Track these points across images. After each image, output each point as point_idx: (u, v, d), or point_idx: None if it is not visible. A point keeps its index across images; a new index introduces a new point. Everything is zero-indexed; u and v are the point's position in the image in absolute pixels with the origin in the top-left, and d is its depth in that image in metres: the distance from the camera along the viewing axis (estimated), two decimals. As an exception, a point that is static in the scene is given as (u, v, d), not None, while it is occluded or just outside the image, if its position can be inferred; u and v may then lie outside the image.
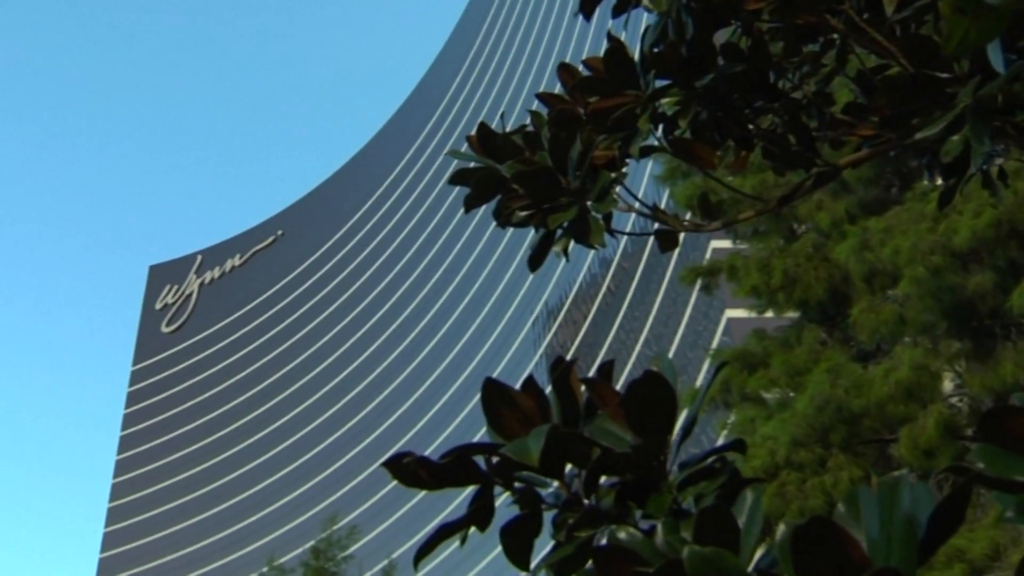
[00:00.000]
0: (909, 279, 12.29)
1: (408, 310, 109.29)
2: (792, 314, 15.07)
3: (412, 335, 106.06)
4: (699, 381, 51.55)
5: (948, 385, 12.94)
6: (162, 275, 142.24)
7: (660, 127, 2.83)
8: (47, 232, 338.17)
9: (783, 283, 14.27)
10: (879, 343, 13.67)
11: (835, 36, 2.88)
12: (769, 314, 15.35)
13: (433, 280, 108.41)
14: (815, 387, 12.51)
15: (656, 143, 2.86)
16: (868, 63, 2.87)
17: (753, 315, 15.96)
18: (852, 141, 2.85)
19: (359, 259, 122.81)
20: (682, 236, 3.02)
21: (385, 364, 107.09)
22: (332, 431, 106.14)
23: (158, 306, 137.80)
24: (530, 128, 2.87)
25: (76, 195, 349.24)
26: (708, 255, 50.27)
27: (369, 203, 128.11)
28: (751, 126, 2.87)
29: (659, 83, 2.74)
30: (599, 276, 78.09)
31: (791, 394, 13.63)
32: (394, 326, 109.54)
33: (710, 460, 1.76)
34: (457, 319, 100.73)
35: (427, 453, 1.80)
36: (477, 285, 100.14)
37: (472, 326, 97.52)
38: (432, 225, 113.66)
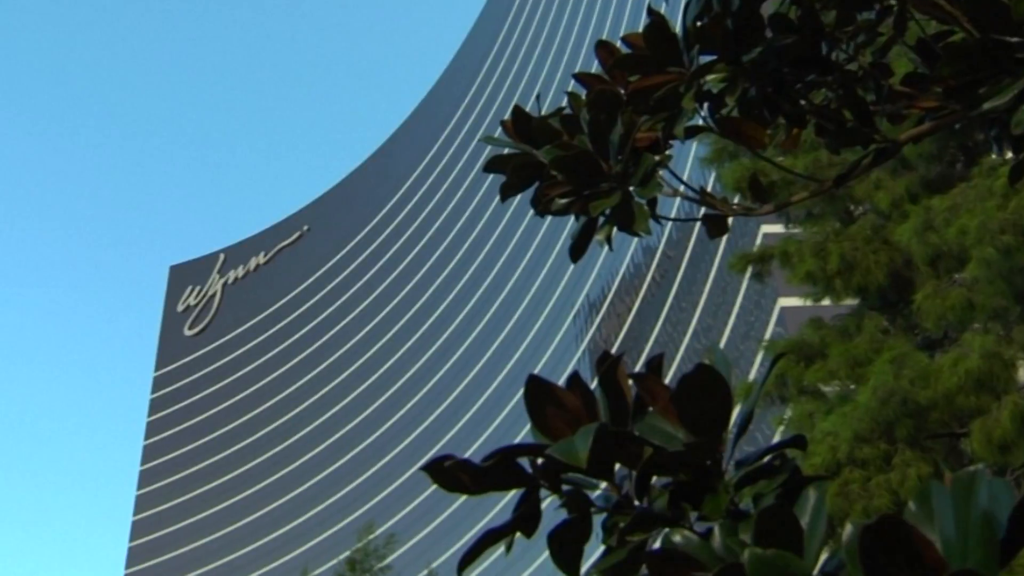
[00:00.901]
0: (978, 261, 12.12)
1: (442, 306, 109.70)
2: (851, 301, 14.94)
3: (447, 332, 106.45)
4: (752, 375, 51.28)
5: (1023, 374, 12.75)
6: (184, 275, 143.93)
7: (706, 106, 2.81)
8: (60, 233, 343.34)
9: (840, 268, 14.15)
10: (946, 330, 13.51)
11: (892, 2, 2.85)
12: (826, 302, 15.24)
13: (468, 274, 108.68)
14: (878, 379, 12.39)
15: (702, 123, 2.84)
16: (929, 29, 2.83)
17: (808, 303, 15.85)
18: (913, 114, 2.82)
19: (390, 253, 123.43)
20: (731, 221, 3.00)
21: (420, 364, 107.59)
22: (366, 435, 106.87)
23: (180, 308, 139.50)
24: (568, 111, 2.87)
25: (91, 194, 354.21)
26: (759, 240, 49.93)
27: (399, 194, 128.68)
28: (803, 102, 2.85)
29: (704, 59, 2.72)
30: (643, 266, 77.84)
31: (852, 387, 13.52)
32: (428, 323, 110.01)
33: (768, 457, 1.75)
34: (494, 314, 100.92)
35: (467, 456, 1.81)
36: (515, 278, 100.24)
37: (510, 321, 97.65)
38: (466, 216, 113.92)
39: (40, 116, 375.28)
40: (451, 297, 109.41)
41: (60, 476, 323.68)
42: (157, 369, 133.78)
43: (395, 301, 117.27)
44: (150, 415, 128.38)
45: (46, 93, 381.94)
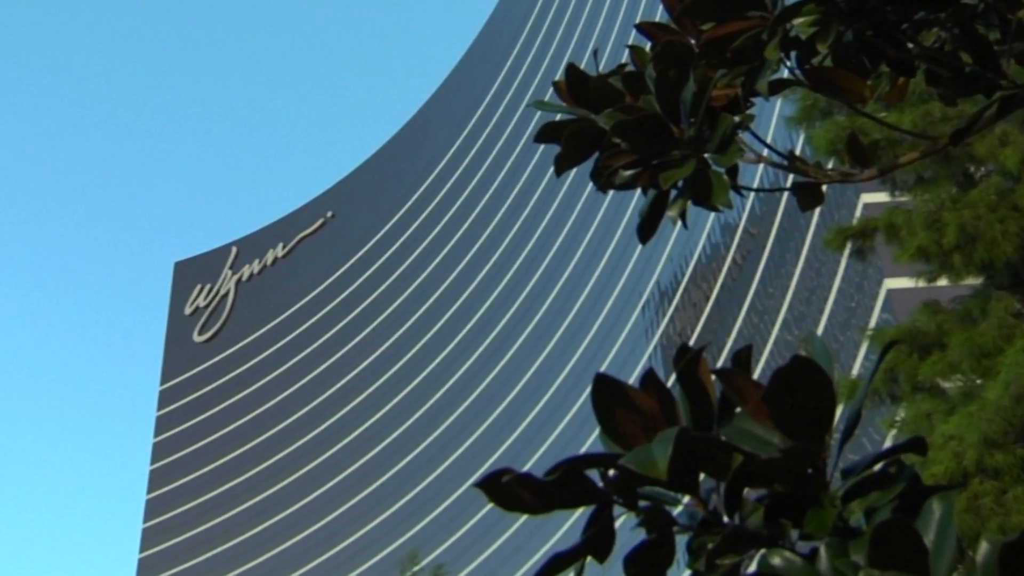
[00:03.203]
0: None
1: (491, 299, 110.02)
2: (973, 280, 14.77)
3: (497, 329, 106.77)
4: (855, 370, 50.81)
5: None
6: (191, 273, 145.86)
7: (793, 55, 2.80)
8: (50, 228, 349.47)
9: (959, 242, 13.98)
10: (1091, 312, 13.29)
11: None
12: (942, 282, 15.09)
13: (519, 261, 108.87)
14: (1010, 371, 12.22)
15: (788, 75, 2.83)
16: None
17: (921, 284, 15.72)
18: (1045, 54, 2.77)
19: (428, 240, 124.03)
20: (826, 190, 2.99)
21: (466, 366, 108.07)
22: (407, 450, 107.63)
23: (188, 310, 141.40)
24: (630, 67, 2.87)
25: (86, 183, 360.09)
26: (859, 212, 49.45)
27: (436, 172, 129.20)
28: (911, 45, 2.81)
29: (790, -1, 2.71)
30: (722, 246, 77.39)
31: (978, 381, 13.37)
32: (475, 319, 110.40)
33: (881, 464, 1.74)
34: (551, 307, 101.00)
35: (525, 470, 1.83)
36: (573, 264, 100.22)
37: (570, 314, 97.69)
38: (514, 194, 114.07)
39: (32, 93, 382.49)
40: (500, 288, 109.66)
41: (59, 503, 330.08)
42: (163, 382, 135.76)
43: (435, 295, 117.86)
44: (156, 435, 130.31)
45: (45, 67, 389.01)
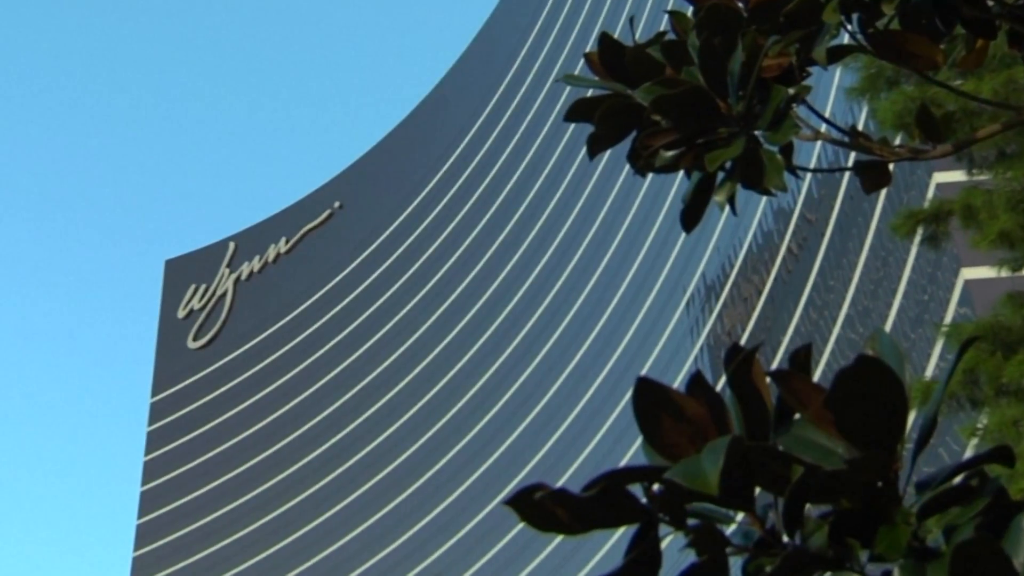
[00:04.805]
0: None
1: (517, 297, 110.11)
2: (1062, 269, 14.71)
3: (525, 329, 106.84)
4: (930, 370, 50.62)
5: None
6: (184, 271, 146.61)
7: (855, 18, 2.79)
8: (27, 226, 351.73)
9: (1046, 225, 13.91)
10: None
11: None
12: (1027, 271, 15.02)
13: (548, 254, 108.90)
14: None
15: (850, 41, 2.82)
16: None
17: (1003, 274, 15.67)
18: None
19: (445, 233, 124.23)
20: (893, 168, 2.98)
21: (492, 370, 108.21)
22: (427, 466, 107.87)
23: (181, 314, 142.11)
24: (671, 35, 2.87)
25: (69, 176, 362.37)
26: (931, 193, 49.25)
27: (453, 157, 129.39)
28: (990, 2, 2.80)
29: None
30: (775, 234, 77.18)
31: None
32: (500, 319, 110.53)
33: (962, 476, 1.74)
34: (585, 304, 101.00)
35: (559, 486, 1.83)
36: (608, 256, 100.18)
37: (606, 312, 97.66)
38: (542, 179, 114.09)
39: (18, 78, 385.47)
40: (527, 285, 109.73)
41: (41, 529, 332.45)
42: (154, 393, 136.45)
43: (455, 294, 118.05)
44: (147, 453, 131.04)
45: (24, 53, 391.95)
